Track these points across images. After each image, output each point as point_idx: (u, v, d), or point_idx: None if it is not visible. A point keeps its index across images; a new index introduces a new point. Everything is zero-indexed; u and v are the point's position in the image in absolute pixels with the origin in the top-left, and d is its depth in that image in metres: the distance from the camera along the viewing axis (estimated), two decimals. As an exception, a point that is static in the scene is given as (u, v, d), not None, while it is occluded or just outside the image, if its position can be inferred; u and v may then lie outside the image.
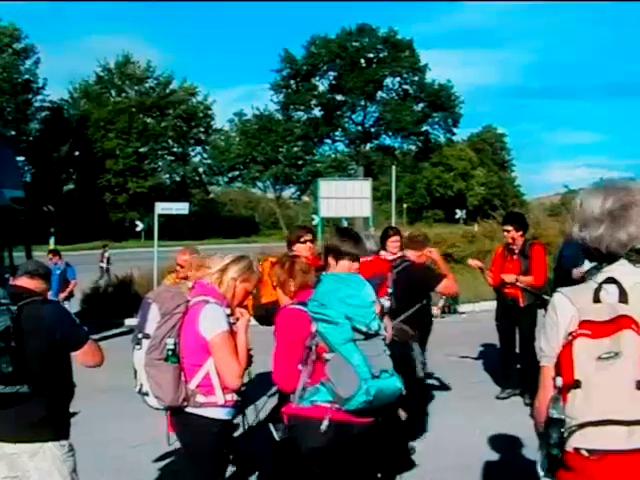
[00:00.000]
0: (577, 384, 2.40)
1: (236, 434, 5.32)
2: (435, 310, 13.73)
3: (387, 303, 6.92)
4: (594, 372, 2.38)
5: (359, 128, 78.77)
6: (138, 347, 4.38)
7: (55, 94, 71.42)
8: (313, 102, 76.55)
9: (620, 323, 2.41)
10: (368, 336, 4.24)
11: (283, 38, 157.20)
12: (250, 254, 4.97)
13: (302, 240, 6.54)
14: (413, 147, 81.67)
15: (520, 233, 9.20)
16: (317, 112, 77.24)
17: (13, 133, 57.73)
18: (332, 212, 19.94)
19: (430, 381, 9.90)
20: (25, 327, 4.08)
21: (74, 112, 69.54)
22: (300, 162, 76.40)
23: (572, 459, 2.43)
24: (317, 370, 4.24)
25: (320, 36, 75.60)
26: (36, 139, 65.52)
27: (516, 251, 9.16)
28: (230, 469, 5.31)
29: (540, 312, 8.78)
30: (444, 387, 9.63)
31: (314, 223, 24.44)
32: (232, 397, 4.40)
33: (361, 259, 5.16)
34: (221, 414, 4.38)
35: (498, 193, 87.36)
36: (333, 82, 76.95)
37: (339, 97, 76.78)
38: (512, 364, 9.56)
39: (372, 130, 79.14)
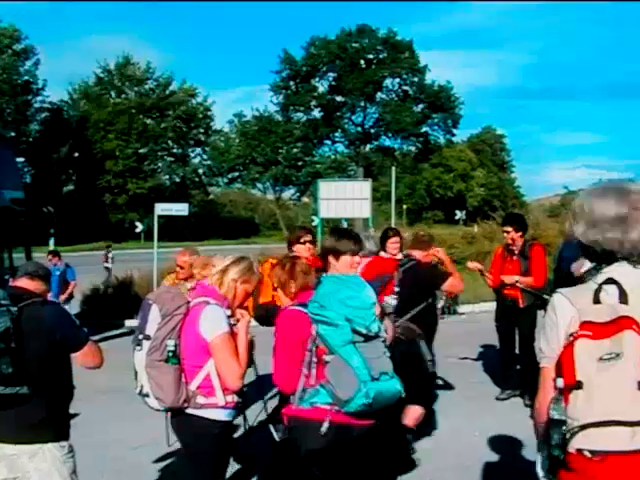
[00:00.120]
0: (579, 385, 2.39)
1: (236, 435, 5.33)
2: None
3: (393, 301, 6.99)
4: (595, 373, 2.38)
5: (359, 129, 78.82)
6: (139, 348, 4.38)
7: (55, 95, 71.36)
8: (313, 103, 76.60)
9: (621, 324, 2.41)
10: (368, 338, 4.23)
11: (283, 39, 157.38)
12: (250, 255, 4.97)
13: (302, 241, 6.56)
14: (413, 148, 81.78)
15: (520, 234, 9.21)
16: (317, 113, 77.35)
17: (13, 134, 57.72)
18: (332, 213, 19.94)
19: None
20: (25, 328, 4.08)
21: (74, 113, 69.52)
22: (300, 163, 76.45)
23: (574, 460, 2.43)
24: (317, 372, 4.24)
25: (320, 37, 75.74)
26: (36, 140, 65.49)
27: (516, 252, 9.16)
28: (230, 469, 5.31)
29: (540, 313, 8.77)
30: (445, 387, 9.62)
31: (314, 224, 24.44)
32: (233, 398, 4.40)
33: (365, 259, 5.18)
34: (222, 415, 4.38)
35: (498, 194, 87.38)
36: (333, 83, 77.00)
37: (339, 98, 76.81)
38: (512, 365, 9.56)
39: (372, 131, 79.19)
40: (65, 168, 67.64)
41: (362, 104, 77.42)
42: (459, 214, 64.02)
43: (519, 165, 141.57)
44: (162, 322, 4.32)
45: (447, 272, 7.38)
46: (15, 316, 4.04)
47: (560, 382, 2.46)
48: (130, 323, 15.51)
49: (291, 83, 76.27)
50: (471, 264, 9.79)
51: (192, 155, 75.57)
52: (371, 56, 75.95)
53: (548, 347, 2.61)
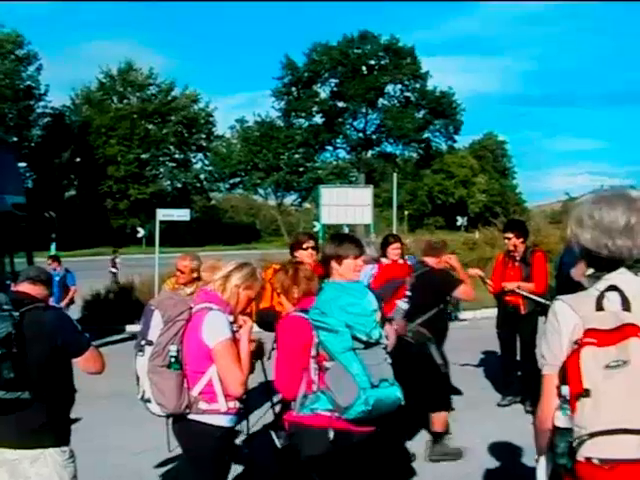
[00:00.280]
0: (586, 393, 2.36)
1: (238, 440, 5.33)
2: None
3: (405, 305, 7.05)
4: (603, 381, 2.35)
5: (360, 135, 78.90)
6: (141, 354, 4.39)
7: (57, 100, 71.69)
8: (314, 109, 76.70)
9: (626, 331, 2.39)
10: (368, 345, 4.24)
11: (285, 45, 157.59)
12: (251, 261, 4.97)
13: (304, 247, 6.57)
14: (414, 154, 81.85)
15: (521, 240, 9.21)
16: (318, 119, 77.45)
17: (15, 139, 57.72)
18: (333, 219, 19.96)
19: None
20: (27, 333, 4.08)
21: (76, 118, 69.59)
22: (301, 169, 76.50)
23: (583, 469, 2.39)
24: (318, 378, 4.24)
25: (322, 43, 75.82)
26: (38, 145, 65.58)
27: (517, 258, 9.16)
28: (231, 475, 5.30)
29: (541, 319, 8.78)
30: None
31: (315, 230, 24.43)
32: (234, 404, 4.40)
33: (367, 264, 5.20)
34: (223, 421, 4.38)
35: (499, 200, 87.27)
36: (334, 89, 77.10)
37: (340, 104, 76.92)
38: (513, 371, 9.55)
39: (373, 137, 79.27)
40: (67, 173, 67.70)
41: (364, 110, 77.51)
42: (460, 220, 63.98)
43: (520, 171, 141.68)
44: (164, 328, 4.32)
45: (459, 279, 7.45)
46: (17, 321, 4.05)
47: (565, 390, 2.44)
48: (131, 328, 15.53)
49: (293, 89, 76.36)
50: (472, 271, 9.77)
51: (194, 160, 75.65)
52: (373, 62, 76.08)
53: (550, 354, 2.59)
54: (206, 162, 76.47)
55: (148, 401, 4.38)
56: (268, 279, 5.90)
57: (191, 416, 4.37)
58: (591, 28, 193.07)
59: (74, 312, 15.29)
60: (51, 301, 4.97)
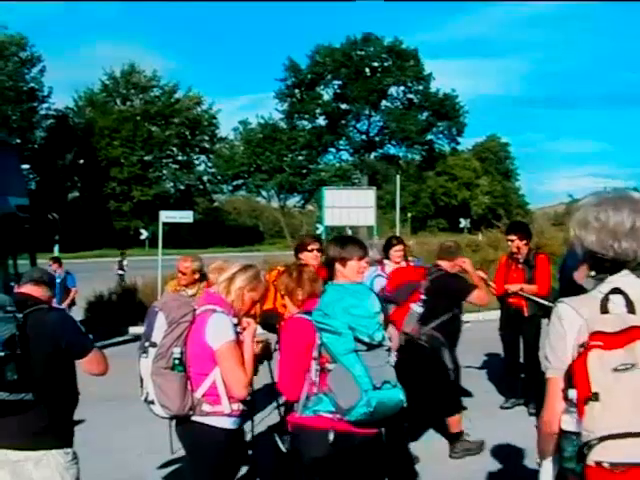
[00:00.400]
0: (595, 397, 2.35)
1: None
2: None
3: (419, 309, 7.08)
4: (611, 384, 2.34)
5: (363, 137, 78.91)
6: (144, 355, 4.38)
7: (60, 102, 71.55)
8: (317, 111, 76.68)
9: (632, 334, 2.38)
10: (371, 347, 4.24)
11: (288, 47, 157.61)
12: (254, 263, 4.97)
13: (309, 249, 6.57)
14: (417, 156, 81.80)
15: (524, 242, 9.20)
16: (321, 121, 77.42)
17: (18, 141, 57.69)
18: (336, 221, 19.93)
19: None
20: (30, 335, 4.08)
21: (79, 120, 69.64)
22: (304, 171, 76.48)
23: (593, 473, 2.37)
24: (321, 380, 4.25)
25: (325, 45, 75.80)
26: (41, 147, 65.63)
27: (520, 260, 9.15)
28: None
29: (544, 321, 8.76)
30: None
31: (318, 232, 24.44)
32: (238, 406, 4.40)
33: (370, 267, 5.21)
34: (227, 423, 4.38)
35: (502, 202, 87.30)
36: (338, 91, 77.10)
37: (343, 106, 76.90)
38: (516, 374, 9.54)
39: (376, 139, 79.25)
40: (70, 175, 67.74)
41: (367, 112, 77.51)
42: (463, 222, 63.89)
43: (523, 173, 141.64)
44: (168, 329, 4.32)
45: (473, 284, 7.49)
46: (21, 323, 4.05)
47: (572, 393, 2.43)
48: (134, 330, 15.53)
49: (296, 91, 76.36)
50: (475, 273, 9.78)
51: (197, 162, 75.70)
52: (376, 64, 76.03)
53: (555, 358, 2.58)
54: (209, 164, 76.54)
55: (152, 403, 4.38)
56: (272, 281, 5.90)
57: (195, 418, 4.37)
58: (594, 29, 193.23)
59: (77, 314, 15.28)
60: (54, 302, 4.97)
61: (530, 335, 9.10)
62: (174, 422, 4.56)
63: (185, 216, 20.71)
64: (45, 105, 67.40)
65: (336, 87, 77.37)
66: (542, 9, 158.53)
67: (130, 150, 67.53)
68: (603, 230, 2.58)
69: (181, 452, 4.66)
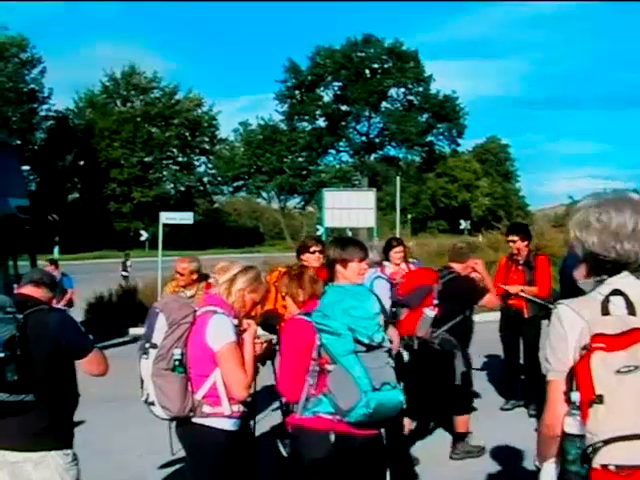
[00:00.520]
0: (599, 399, 2.34)
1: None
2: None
3: (432, 313, 7.12)
4: (615, 386, 2.33)
5: (363, 138, 78.96)
6: (145, 357, 4.38)
7: (60, 103, 71.66)
8: (318, 112, 76.73)
9: (634, 336, 2.37)
10: (370, 348, 4.24)
11: (288, 48, 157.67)
12: (254, 264, 4.97)
13: (311, 250, 6.57)
14: (417, 158, 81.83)
15: (525, 243, 9.21)
16: (322, 122, 77.51)
17: (18, 142, 57.62)
18: (336, 222, 19.94)
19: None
20: (31, 335, 4.08)
21: (79, 121, 69.65)
22: (304, 172, 76.53)
23: (599, 476, 2.36)
24: (320, 381, 4.25)
25: (325, 46, 75.84)
26: (41, 148, 65.63)
27: (520, 262, 9.15)
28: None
29: (544, 323, 8.76)
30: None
31: (318, 233, 24.44)
32: (239, 408, 4.40)
33: (370, 268, 5.21)
34: (227, 425, 4.38)
35: (502, 204, 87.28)
36: (338, 92, 77.16)
37: (344, 107, 76.95)
38: (516, 375, 9.54)
39: (376, 140, 79.31)
40: (70, 176, 67.75)
41: (367, 113, 77.56)
42: (464, 224, 63.98)
43: (523, 175, 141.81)
44: (169, 331, 4.32)
45: (485, 288, 7.54)
46: (21, 323, 4.05)
47: (576, 396, 2.41)
48: (134, 331, 15.53)
49: (296, 92, 76.40)
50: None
51: (197, 164, 75.72)
52: (376, 66, 76.08)
53: (556, 360, 2.56)
54: (209, 165, 76.56)
55: (152, 404, 4.38)
56: (273, 282, 5.91)
57: (195, 419, 4.37)
58: (594, 29, 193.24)
59: (77, 315, 15.28)
60: (54, 303, 4.96)
61: (530, 336, 9.10)
62: (174, 423, 4.56)
63: (185, 217, 20.70)
64: (45, 106, 67.46)
65: (336, 88, 77.48)
66: (542, 9, 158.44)
67: (130, 151, 67.52)
68: (605, 231, 2.57)
69: (181, 453, 4.66)
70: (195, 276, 7.66)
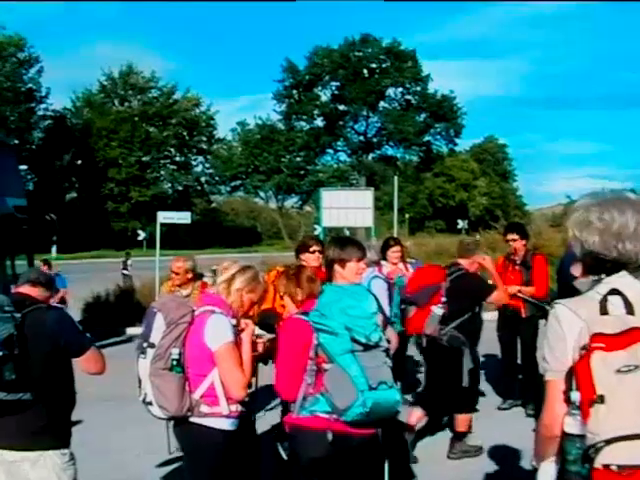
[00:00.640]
0: (600, 399, 2.33)
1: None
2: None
3: (440, 311, 7.14)
4: (615, 386, 2.33)
5: (361, 138, 78.95)
6: (143, 356, 4.38)
7: (58, 103, 71.61)
8: (315, 112, 76.72)
9: (633, 336, 2.37)
10: (368, 347, 4.24)
11: (286, 48, 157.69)
12: (254, 264, 4.97)
13: (311, 250, 6.57)
14: (415, 157, 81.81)
15: (523, 243, 9.22)
16: (319, 122, 77.49)
17: (16, 142, 57.52)
18: (334, 222, 19.90)
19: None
20: (29, 334, 4.08)
21: (77, 121, 69.65)
22: (302, 172, 76.53)
23: (601, 476, 2.36)
24: (317, 380, 4.25)
25: (323, 46, 75.82)
26: (39, 148, 65.61)
27: (518, 262, 9.15)
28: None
29: (542, 323, 8.77)
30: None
31: (316, 233, 24.42)
32: (236, 408, 4.40)
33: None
34: (225, 424, 4.38)
35: (500, 203, 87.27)
36: (335, 92, 77.13)
37: (341, 107, 76.94)
38: (514, 375, 9.55)
39: (374, 140, 79.28)
40: (68, 176, 67.74)
41: (365, 113, 77.54)
42: (461, 223, 63.90)
43: (521, 174, 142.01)
44: (167, 330, 4.31)
45: (493, 285, 7.53)
46: (19, 322, 4.05)
47: (576, 396, 2.41)
48: (132, 331, 15.53)
49: (294, 92, 76.37)
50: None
51: (195, 163, 75.71)
52: (374, 65, 76.07)
53: (554, 360, 2.55)
54: (207, 165, 76.55)
55: (150, 404, 4.38)
56: (271, 281, 5.91)
57: (193, 419, 4.37)
58: (594, 29, 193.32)
59: (74, 314, 15.26)
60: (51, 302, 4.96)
61: (527, 336, 9.11)
62: (171, 422, 4.56)
63: (183, 217, 20.69)
64: (43, 106, 67.50)
65: (334, 88, 77.44)
66: (542, 9, 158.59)
67: (128, 151, 67.52)
68: (607, 231, 2.56)
69: (179, 452, 4.66)
70: (190, 275, 7.66)
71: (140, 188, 68.04)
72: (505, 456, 7.25)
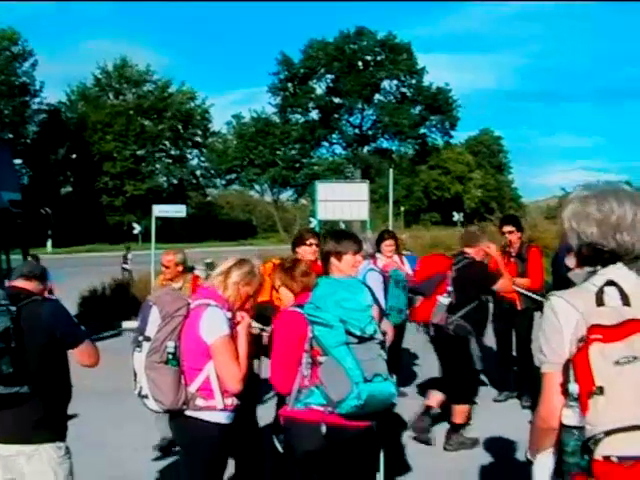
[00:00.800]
0: (600, 390, 2.33)
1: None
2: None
3: (446, 301, 7.17)
4: (614, 377, 2.33)
5: (356, 131, 78.98)
6: (138, 350, 4.37)
7: (53, 97, 71.52)
8: (310, 105, 76.74)
9: (630, 327, 2.37)
10: (362, 340, 4.24)
11: (281, 41, 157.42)
12: (251, 257, 4.97)
13: (307, 243, 6.56)
14: (410, 150, 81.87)
15: (519, 235, 9.23)
16: (314, 115, 77.57)
17: (10, 136, 57.72)
18: (329, 215, 19.86)
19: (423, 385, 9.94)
20: (25, 327, 4.09)
21: (71, 115, 69.55)
22: (297, 165, 76.56)
23: (601, 467, 2.35)
24: (312, 372, 4.25)
25: (318, 39, 75.77)
26: (33, 142, 65.50)
27: (513, 254, 9.16)
28: (228, 472, 5.30)
29: (537, 314, 8.78)
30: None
31: (312, 226, 24.43)
32: (232, 401, 4.39)
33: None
34: (221, 418, 4.38)
35: (495, 196, 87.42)
36: (330, 85, 77.14)
37: (336, 100, 76.94)
38: (509, 367, 9.56)
39: (369, 133, 79.34)
40: (63, 170, 67.65)
41: (360, 106, 77.55)
42: (457, 216, 64.05)
43: (517, 167, 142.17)
44: (162, 323, 4.31)
45: (498, 273, 7.56)
46: (15, 315, 4.05)
47: (574, 387, 2.41)
48: (127, 324, 15.51)
49: (289, 85, 76.37)
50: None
51: (190, 157, 75.72)
52: (369, 58, 76.09)
53: (551, 352, 2.55)
54: (202, 158, 76.55)
55: (145, 397, 4.37)
56: (267, 274, 5.90)
57: (188, 412, 4.36)
58: (587, 25, 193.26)
59: (70, 308, 15.24)
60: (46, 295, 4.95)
61: (522, 328, 9.13)
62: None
63: (178, 210, 20.61)
64: (37, 99, 67.45)
65: (329, 81, 77.46)
66: (537, 3, 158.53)
67: (123, 144, 67.45)
68: (605, 222, 2.56)
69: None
70: (180, 268, 7.65)
71: (135, 182, 68.01)
72: (501, 448, 7.26)
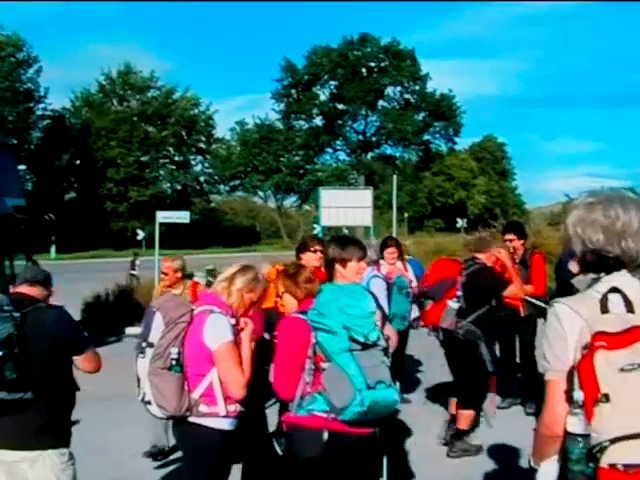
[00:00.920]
0: (605, 398, 2.31)
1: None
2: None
3: (455, 305, 7.18)
4: (619, 385, 2.31)
5: (360, 137, 79.01)
6: (142, 356, 4.38)
7: (57, 103, 71.54)
8: (314, 111, 76.84)
9: (635, 334, 2.35)
10: (366, 346, 4.23)
11: (285, 47, 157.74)
12: (256, 262, 4.98)
13: (312, 249, 6.54)
14: (414, 156, 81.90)
15: (521, 242, 9.21)
16: (318, 121, 77.66)
17: (15, 141, 57.77)
18: (333, 221, 19.87)
19: (427, 392, 9.92)
20: (28, 333, 4.08)
21: (76, 121, 69.66)
22: (301, 171, 76.64)
23: (606, 475, 2.33)
24: (315, 379, 4.25)
25: (321, 45, 75.87)
26: (37, 147, 65.60)
27: (516, 260, 9.14)
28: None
29: (540, 321, 8.78)
30: (444, 395, 9.60)
31: (315, 232, 24.40)
32: (235, 408, 4.39)
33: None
34: (224, 424, 4.37)
35: (499, 202, 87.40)
36: (334, 91, 77.22)
37: (340, 106, 77.02)
38: (513, 373, 9.54)
39: (373, 139, 79.37)
40: (67, 176, 67.73)
41: (363, 112, 77.61)
42: (460, 222, 63.95)
43: (520, 173, 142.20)
44: (166, 330, 4.31)
45: (508, 279, 7.55)
46: (18, 322, 4.05)
47: (579, 395, 2.39)
48: (131, 330, 15.52)
49: (293, 91, 76.47)
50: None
51: (194, 163, 75.76)
52: (373, 64, 76.17)
53: (555, 359, 2.54)
54: (206, 164, 76.59)
55: (149, 403, 4.37)
56: (271, 279, 5.90)
57: (191, 419, 4.36)
58: (590, 29, 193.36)
59: (74, 314, 15.25)
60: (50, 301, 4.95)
61: (526, 335, 9.12)
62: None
63: (182, 216, 20.65)
64: (41, 105, 67.51)
65: (333, 87, 77.57)
66: (540, 8, 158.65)
67: (127, 150, 67.54)
68: (611, 228, 2.55)
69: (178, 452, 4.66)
70: (179, 274, 7.62)
71: (139, 188, 68.07)
72: (504, 455, 7.24)
